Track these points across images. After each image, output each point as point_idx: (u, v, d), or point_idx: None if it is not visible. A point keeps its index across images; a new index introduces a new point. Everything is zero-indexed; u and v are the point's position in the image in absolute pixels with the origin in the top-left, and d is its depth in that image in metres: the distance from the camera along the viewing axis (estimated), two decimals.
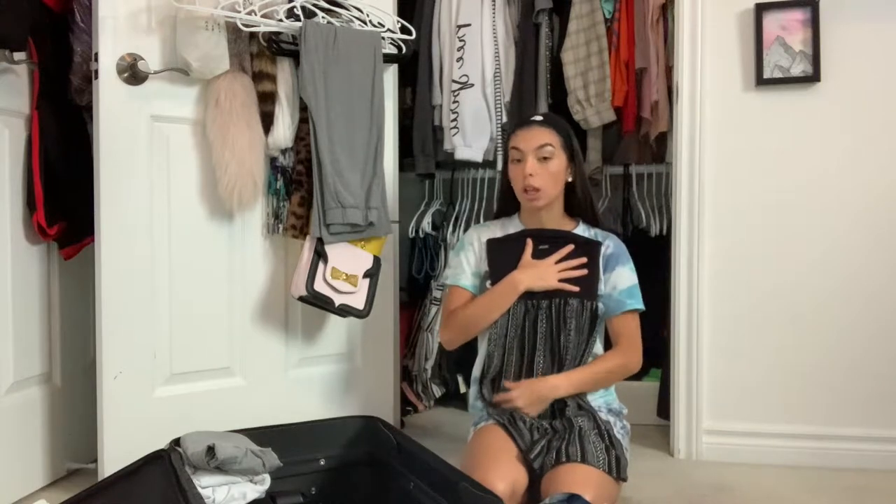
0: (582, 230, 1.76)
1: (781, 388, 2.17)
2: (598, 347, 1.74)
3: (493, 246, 1.75)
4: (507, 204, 1.83)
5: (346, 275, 2.00)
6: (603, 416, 1.68)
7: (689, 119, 2.19)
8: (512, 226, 1.78)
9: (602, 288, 1.71)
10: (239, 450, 1.48)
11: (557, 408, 1.66)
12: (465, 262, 1.80)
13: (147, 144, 1.84)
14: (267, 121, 1.95)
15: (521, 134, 1.72)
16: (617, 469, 1.54)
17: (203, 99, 1.89)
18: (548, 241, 1.71)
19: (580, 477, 1.45)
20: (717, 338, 2.21)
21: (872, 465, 2.09)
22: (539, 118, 1.76)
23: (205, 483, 1.45)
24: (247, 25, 1.87)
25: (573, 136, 1.75)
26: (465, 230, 2.65)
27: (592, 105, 2.49)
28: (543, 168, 1.68)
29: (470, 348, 1.82)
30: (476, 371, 1.79)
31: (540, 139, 1.69)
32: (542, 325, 1.68)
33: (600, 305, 1.69)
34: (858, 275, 2.13)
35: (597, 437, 1.59)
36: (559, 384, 1.65)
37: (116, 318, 1.80)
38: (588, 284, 1.68)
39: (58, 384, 2.00)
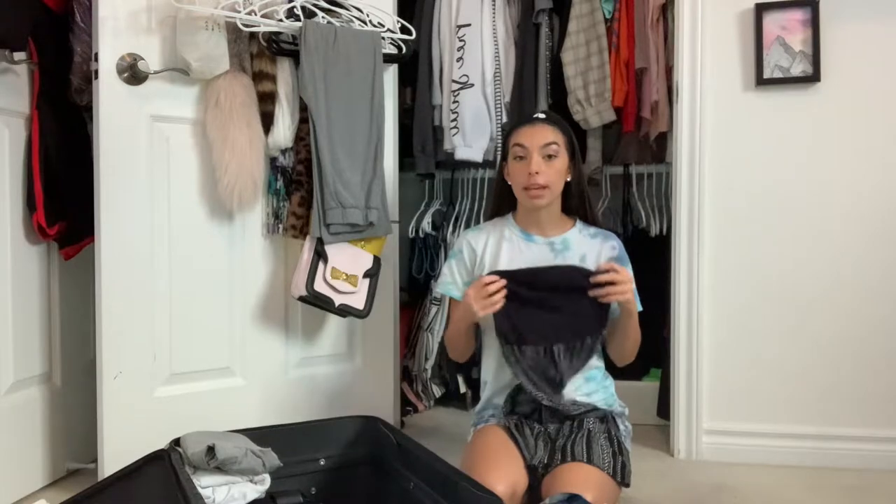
0: (579, 229, 1.75)
1: (781, 387, 2.17)
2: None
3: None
4: (502, 204, 1.80)
5: (346, 275, 2.00)
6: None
7: (689, 119, 2.19)
8: (507, 227, 1.76)
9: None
10: (239, 450, 1.48)
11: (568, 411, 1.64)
12: (455, 272, 1.76)
13: (147, 144, 1.84)
14: (267, 121, 1.95)
15: (526, 131, 1.68)
16: (622, 474, 1.54)
17: (203, 99, 1.89)
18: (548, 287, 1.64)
19: (582, 477, 1.45)
20: (717, 338, 2.21)
21: (872, 465, 2.09)
22: (542, 116, 1.73)
23: (205, 483, 1.45)
24: (247, 25, 1.87)
25: (573, 135, 1.74)
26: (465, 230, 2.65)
27: (592, 105, 2.49)
28: (549, 166, 1.65)
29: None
30: (489, 390, 1.77)
31: (546, 137, 1.66)
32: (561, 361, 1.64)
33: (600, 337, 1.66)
34: (858, 275, 2.13)
35: (605, 441, 1.58)
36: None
37: (116, 318, 1.80)
38: (596, 317, 1.63)
39: (58, 384, 2.00)
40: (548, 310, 1.63)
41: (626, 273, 1.60)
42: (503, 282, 1.59)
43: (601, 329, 1.65)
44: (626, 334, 1.67)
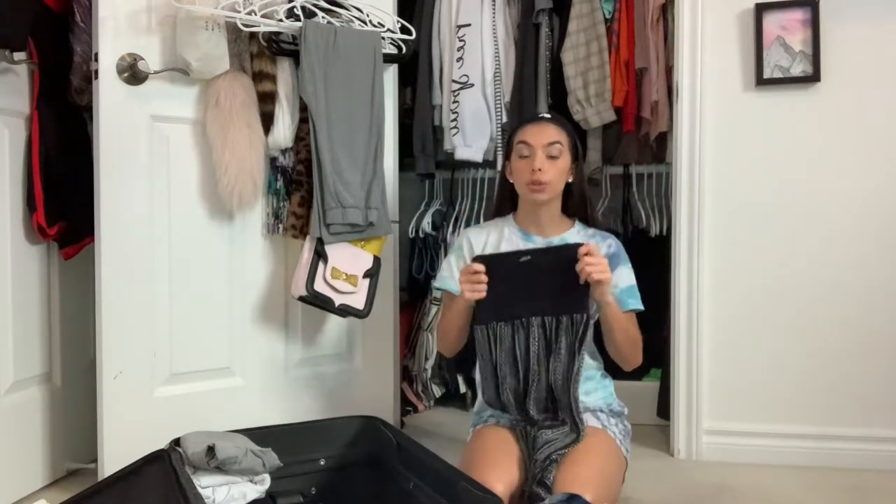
0: (577, 229, 1.75)
1: (781, 387, 2.17)
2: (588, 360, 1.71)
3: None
4: (504, 204, 1.82)
5: (346, 275, 2.00)
6: (604, 417, 1.68)
7: (689, 119, 2.19)
8: (507, 227, 1.77)
9: None
10: (239, 450, 1.49)
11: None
12: (453, 267, 1.77)
13: (147, 144, 1.84)
14: (267, 121, 1.95)
15: (531, 129, 1.72)
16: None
17: (203, 99, 1.89)
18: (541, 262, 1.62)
19: (581, 476, 1.45)
20: (717, 338, 2.21)
21: (872, 465, 2.09)
22: (548, 116, 1.77)
23: (205, 483, 1.45)
24: (247, 25, 1.87)
25: (577, 138, 1.76)
26: None
27: (592, 105, 2.49)
28: (552, 165, 1.67)
29: (470, 349, 1.81)
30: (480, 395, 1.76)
31: (550, 136, 1.69)
32: (534, 348, 1.60)
33: (591, 317, 1.63)
34: (858, 275, 2.12)
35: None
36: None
37: (116, 318, 1.80)
38: (577, 296, 1.59)
39: (58, 384, 2.00)
40: (526, 289, 1.59)
41: (602, 257, 1.57)
42: (483, 268, 1.57)
43: (580, 311, 1.58)
44: (610, 326, 1.61)
